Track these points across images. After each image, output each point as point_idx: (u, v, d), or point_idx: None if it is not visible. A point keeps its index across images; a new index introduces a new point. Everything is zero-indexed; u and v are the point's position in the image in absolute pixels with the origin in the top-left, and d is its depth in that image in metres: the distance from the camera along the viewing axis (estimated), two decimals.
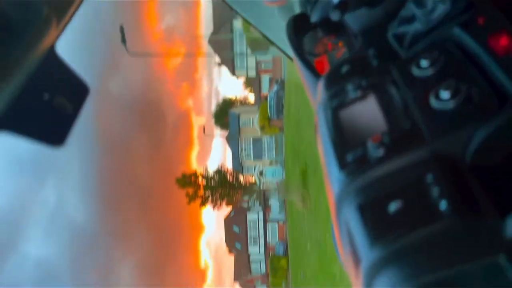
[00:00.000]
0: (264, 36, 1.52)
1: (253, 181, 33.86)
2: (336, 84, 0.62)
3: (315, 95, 0.68)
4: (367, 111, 0.54)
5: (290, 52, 0.78)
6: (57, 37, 0.55)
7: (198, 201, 30.52)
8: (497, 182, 0.43)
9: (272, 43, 1.49)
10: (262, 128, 33.11)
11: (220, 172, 31.65)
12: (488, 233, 0.37)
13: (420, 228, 0.39)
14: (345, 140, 0.52)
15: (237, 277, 44.72)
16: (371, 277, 0.40)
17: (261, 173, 35.09)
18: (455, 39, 0.56)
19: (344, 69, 0.63)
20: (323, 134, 0.57)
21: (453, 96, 0.47)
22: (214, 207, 30.51)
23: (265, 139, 37.63)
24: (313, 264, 17.78)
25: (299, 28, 0.79)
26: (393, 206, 0.41)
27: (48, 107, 0.55)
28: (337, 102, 0.59)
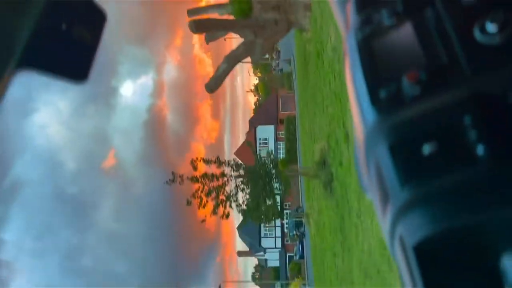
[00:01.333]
0: None
1: None
2: (368, 8, 0.54)
3: (344, 16, 0.60)
4: (403, 42, 0.48)
5: None
6: None
7: None
8: None
9: None
10: None
11: None
12: None
13: (453, 173, 0.38)
14: (378, 74, 0.48)
15: None
16: (398, 216, 0.40)
17: None
18: None
19: None
20: (353, 64, 0.52)
21: (500, 30, 0.42)
22: None
23: None
24: None
25: None
26: (427, 148, 0.40)
27: (67, 39, 0.50)
28: (370, 30, 0.53)
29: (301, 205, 27.48)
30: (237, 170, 18.52)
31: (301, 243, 30.04)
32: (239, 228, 40.85)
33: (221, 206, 18.01)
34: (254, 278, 48.10)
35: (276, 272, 40.55)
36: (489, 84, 0.40)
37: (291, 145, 32.98)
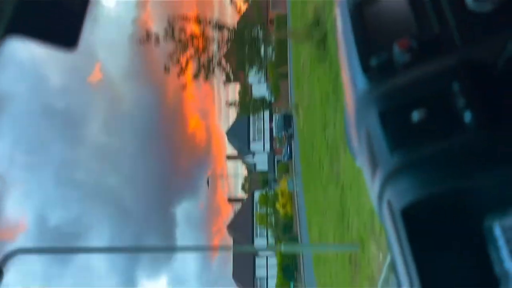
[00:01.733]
0: None
1: None
2: None
3: None
4: (395, 9, 0.49)
5: None
6: None
7: None
8: None
9: None
10: None
11: None
12: (509, 147, 0.31)
13: (441, 139, 0.36)
14: (370, 41, 0.49)
15: None
16: (387, 181, 0.39)
17: None
18: None
19: None
20: (345, 31, 0.53)
21: None
22: None
23: None
24: None
25: None
26: (416, 115, 0.38)
27: (55, 4, 0.50)
28: None
29: (290, 101, 26.79)
30: (220, 30, 17.09)
31: (289, 145, 29.87)
32: (228, 133, 40.51)
33: (202, 70, 16.70)
34: (243, 188, 49.12)
35: (265, 176, 41.20)
36: (479, 52, 0.36)
37: (281, 47, 31.42)
